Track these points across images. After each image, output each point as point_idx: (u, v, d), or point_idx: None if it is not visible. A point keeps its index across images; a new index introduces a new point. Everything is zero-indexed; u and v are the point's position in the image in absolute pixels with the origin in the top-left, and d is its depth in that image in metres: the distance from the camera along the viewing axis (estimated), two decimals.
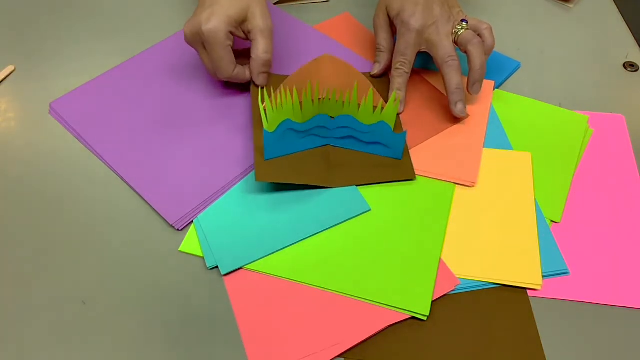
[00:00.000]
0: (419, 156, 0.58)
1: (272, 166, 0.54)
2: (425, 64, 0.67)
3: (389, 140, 0.55)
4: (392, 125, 0.56)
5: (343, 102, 0.57)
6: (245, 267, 0.50)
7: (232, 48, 0.58)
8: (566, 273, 0.50)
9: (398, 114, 0.60)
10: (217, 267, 0.50)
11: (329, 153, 0.56)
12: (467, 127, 0.60)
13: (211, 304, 0.48)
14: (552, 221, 0.54)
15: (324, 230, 0.52)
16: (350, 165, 0.56)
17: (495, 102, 0.64)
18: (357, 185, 0.55)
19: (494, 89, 0.64)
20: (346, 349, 0.45)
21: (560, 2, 0.78)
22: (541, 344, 0.46)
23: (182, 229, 0.53)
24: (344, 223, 0.53)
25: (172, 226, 0.53)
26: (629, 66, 0.69)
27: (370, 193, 0.55)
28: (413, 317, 0.47)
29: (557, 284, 0.49)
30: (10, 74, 0.68)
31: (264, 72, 0.60)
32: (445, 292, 0.48)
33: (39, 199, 0.56)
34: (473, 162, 0.57)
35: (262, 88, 0.60)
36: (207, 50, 0.58)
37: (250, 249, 0.51)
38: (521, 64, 0.69)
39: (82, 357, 0.46)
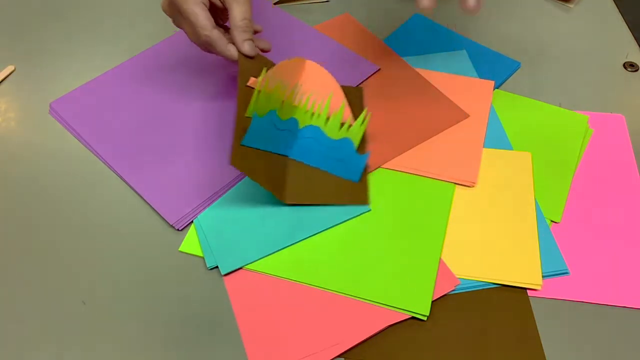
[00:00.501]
0: (419, 156, 0.58)
1: (246, 156, 0.52)
2: (425, 64, 0.67)
3: (350, 159, 0.55)
4: (356, 144, 0.56)
5: (313, 113, 0.57)
6: (245, 267, 0.50)
7: (207, 7, 0.55)
8: (566, 273, 0.50)
9: (364, 135, 0.57)
10: (217, 267, 0.50)
11: (287, 166, 0.55)
12: (467, 127, 0.60)
13: (211, 304, 0.48)
14: (552, 221, 0.54)
15: (324, 230, 0.52)
16: (305, 183, 0.54)
17: (495, 102, 0.64)
18: (309, 205, 0.54)
19: (494, 89, 0.64)
20: (346, 349, 0.45)
21: (560, 2, 0.78)
22: (541, 344, 0.46)
23: (182, 229, 0.53)
24: (344, 223, 0.53)
25: (172, 226, 0.53)
26: (629, 66, 0.69)
27: (371, 193, 0.55)
28: (413, 317, 0.47)
29: (557, 284, 0.49)
30: (10, 74, 0.68)
31: (247, 39, 0.56)
32: (445, 292, 0.48)
33: (39, 199, 0.56)
34: (473, 162, 0.57)
35: (267, 69, 0.55)
36: (182, 14, 0.56)
37: (250, 249, 0.51)
38: (521, 64, 0.69)
39: (81, 357, 0.46)
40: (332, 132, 0.56)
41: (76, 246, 0.52)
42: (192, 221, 0.54)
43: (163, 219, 0.54)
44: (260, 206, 0.54)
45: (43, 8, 0.77)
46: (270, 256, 0.51)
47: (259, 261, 0.50)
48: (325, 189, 0.54)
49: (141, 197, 0.56)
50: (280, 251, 0.51)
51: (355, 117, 0.57)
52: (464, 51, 0.69)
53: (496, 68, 0.67)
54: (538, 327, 0.47)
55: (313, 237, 0.52)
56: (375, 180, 0.56)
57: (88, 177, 0.58)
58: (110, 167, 0.58)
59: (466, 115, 0.61)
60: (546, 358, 0.45)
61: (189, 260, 0.51)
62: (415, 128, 0.60)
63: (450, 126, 0.61)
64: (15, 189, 0.57)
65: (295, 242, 0.51)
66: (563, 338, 0.46)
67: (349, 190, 0.55)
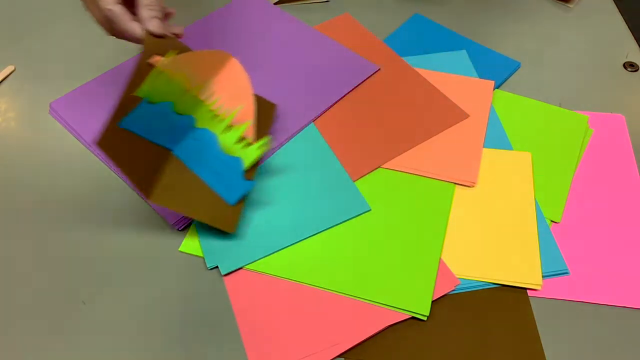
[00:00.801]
0: (419, 156, 0.58)
1: (119, 139, 0.47)
2: (425, 64, 0.67)
3: (234, 180, 0.52)
4: (246, 166, 0.52)
5: (216, 115, 0.53)
6: (245, 267, 0.50)
7: None
8: (566, 273, 0.50)
9: (258, 163, 0.55)
10: (217, 267, 0.50)
11: (167, 162, 0.51)
12: (467, 127, 0.60)
13: (211, 304, 0.48)
14: (552, 221, 0.54)
15: (324, 230, 0.52)
16: (178, 187, 0.50)
17: (495, 102, 0.64)
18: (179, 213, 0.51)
19: (494, 89, 0.64)
20: (346, 349, 0.45)
21: (560, 2, 0.78)
22: (541, 344, 0.46)
23: (182, 229, 0.53)
24: (344, 223, 0.53)
25: (172, 226, 0.53)
26: (629, 66, 0.69)
27: (370, 193, 0.55)
28: (413, 317, 0.47)
29: (557, 284, 0.49)
30: (10, 74, 0.68)
31: (155, 17, 0.50)
32: (445, 292, 0.48)
33: (39, 199, 0.56)
34: (473, 162, 0.57)
35: (178, 53, 0.50)
36: None
37: (250, 249, 0.51)
38: (521, 64, 0.69)
39: (82, 357, 0.46)
40: (228, 144, 0.52)
41: (76, 246, 0.52)
42: (192, 221, 0.54)
43: (163, 219, 0.54)
44: (260, 206, 0.54)
45: (43, 8, 0.77)
46: (270, 256, 0.51)
47: (259, 261, 0.50)
48: (197, 201, 0.50)
49: (141, 197, 0.55)
50: (280, 251, 0.51)
51: (258, 137, 0.54)
52: (464, 51, 0.69)
53: (496, 68, 0.67)
54: (538, 327, 0.47)
55: (313, 237, 0.52)
56: (375, 180, 0.56)
57: (88, 177, 0.58)
58: (110, 167, 0.58)
59: (466, 115, 0.61)
60: (546, 358, 0.45)
61: (189, 260, 0.51)
62: (415, 128, 0.60)
63: (450, 126, 0.61)
64: (15, 188, 0.57)
65: (295, 242, 0.51)
66: (563, 338, 0.46)
67: (221, 211, 0.51)
